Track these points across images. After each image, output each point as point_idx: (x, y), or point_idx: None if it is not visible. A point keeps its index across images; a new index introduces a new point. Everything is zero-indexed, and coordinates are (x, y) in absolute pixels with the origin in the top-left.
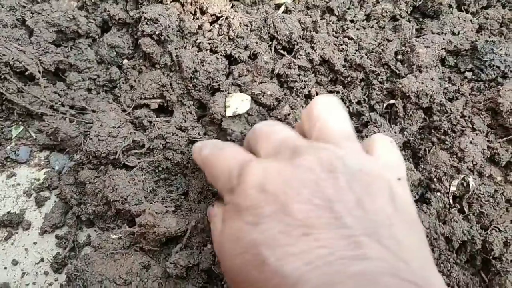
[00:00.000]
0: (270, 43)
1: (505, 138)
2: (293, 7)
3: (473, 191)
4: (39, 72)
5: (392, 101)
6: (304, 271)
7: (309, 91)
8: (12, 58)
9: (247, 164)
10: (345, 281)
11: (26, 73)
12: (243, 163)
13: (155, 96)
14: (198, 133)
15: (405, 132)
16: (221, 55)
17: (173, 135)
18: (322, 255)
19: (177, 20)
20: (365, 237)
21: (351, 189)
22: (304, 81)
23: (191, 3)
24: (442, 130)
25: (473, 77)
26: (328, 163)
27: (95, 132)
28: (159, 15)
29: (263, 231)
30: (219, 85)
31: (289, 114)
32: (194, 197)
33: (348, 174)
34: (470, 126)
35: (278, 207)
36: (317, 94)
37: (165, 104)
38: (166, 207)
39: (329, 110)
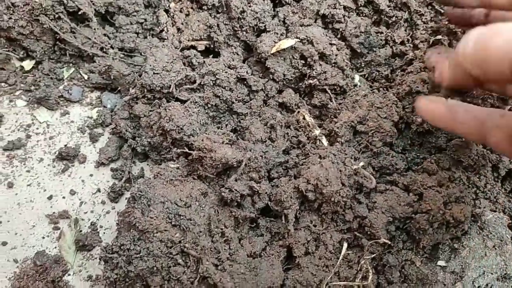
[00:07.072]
0: None
1: None
2: None
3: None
4: (91, 12)
5: (438, 36)
6: None
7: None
8: None
9: None
10: None
11: (79, 13)
12: None
13: (202, 37)
14: (246, 72)
15: None
16: None
17: (222, 71)
18: None
19: None
20: None
21: None
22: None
23: None
24: None
25: None
26: None
27: (150, 66)
28: None
29: None
30: (265, 25)
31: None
32: (250, 138)
33: None
34: None
35: None
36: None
37: (212, 46)
38: (221, 138)
39: None
